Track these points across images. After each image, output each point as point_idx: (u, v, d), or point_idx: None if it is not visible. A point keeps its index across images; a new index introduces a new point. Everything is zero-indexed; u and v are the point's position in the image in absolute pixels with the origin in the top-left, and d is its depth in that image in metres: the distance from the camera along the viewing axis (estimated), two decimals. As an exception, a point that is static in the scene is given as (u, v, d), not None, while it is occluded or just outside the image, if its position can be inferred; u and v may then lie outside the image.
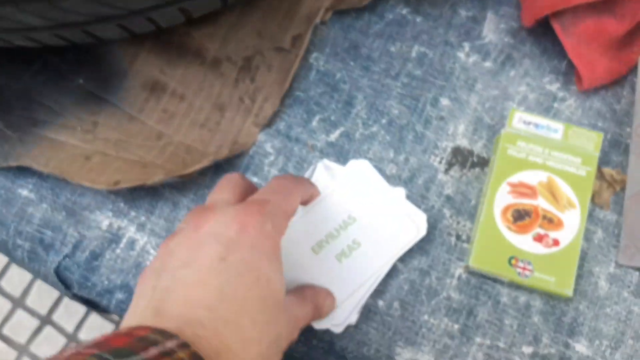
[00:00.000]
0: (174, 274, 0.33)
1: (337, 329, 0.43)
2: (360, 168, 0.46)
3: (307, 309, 0.39)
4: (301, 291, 0.41)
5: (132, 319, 0.32)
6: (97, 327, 1.25)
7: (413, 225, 0.44)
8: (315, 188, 0.43)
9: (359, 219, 0.44)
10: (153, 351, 0.26)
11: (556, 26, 0.47)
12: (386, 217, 0.44)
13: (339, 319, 0.43)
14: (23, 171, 0.48)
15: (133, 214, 0.48)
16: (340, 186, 0.45)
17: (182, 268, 0.33)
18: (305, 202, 0.43)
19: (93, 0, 0.38)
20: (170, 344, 0.27)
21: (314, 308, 0.40)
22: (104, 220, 0.48)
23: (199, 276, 0.32)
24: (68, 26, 0.41)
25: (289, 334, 0.36)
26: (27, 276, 1.27)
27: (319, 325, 0.43)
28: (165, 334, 0.28)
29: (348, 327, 0.45)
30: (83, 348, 0.26)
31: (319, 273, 0.44)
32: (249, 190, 0.40)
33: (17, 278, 1.26)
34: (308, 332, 0.45)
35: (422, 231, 0.44)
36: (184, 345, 0.28)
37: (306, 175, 0.47)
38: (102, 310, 0.48)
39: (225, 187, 0.39)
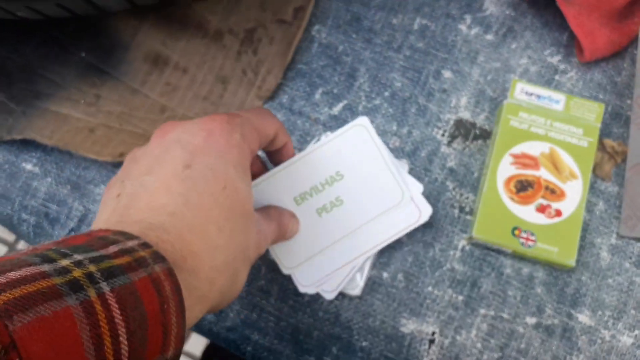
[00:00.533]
0: (137, 180, 0.31)
1: (329, 296, 0.43)
2: (365, 124, 0.45)
3: (273, 226, 0.38)
4: (266, 210, 0.40)
5: (95, 226, 0.30)
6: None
7: (411, 206, 0.43)
8: (290, 139, 0.41)
9: (347, 177, 0.43)
10: (113, 249, 0.25)
11: None
12: (375, 180, 0.43)
13: (317, 281, 0.43)
14: (27, 145, 0.48)
15: None
16: (333, 140, 0.43)
17: (146, 175, 0.31)
18: (278, 156, 0.42)
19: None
20: (131, 243, 0.26)
21: (278, 226, 0.39)
22: None
23: (162, 182, 0.31)
24: None
25: (256, 247, 0.35)
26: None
27: (307, 290, 0.42)
28: (127, 235, 0.27)
29: (352, 299, 0.45)
30: (40, 246, 0.24)
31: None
32: None
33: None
34: (314, 304, 0.45)
35: (425, 217, 0.43)
36: (145, 245, 0.26)
37: (309, 148, 0.47)
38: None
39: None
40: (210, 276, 0.30)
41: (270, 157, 0.42)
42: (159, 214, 0.30)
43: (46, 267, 0.21)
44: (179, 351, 0.27)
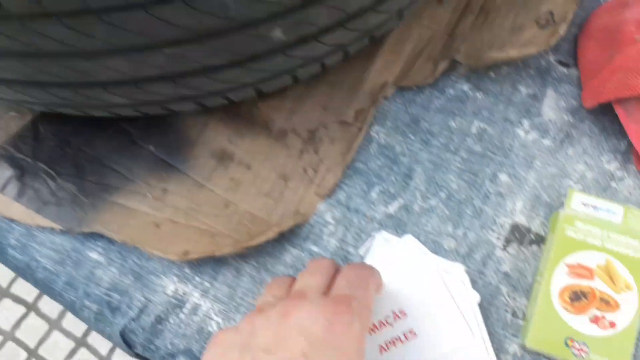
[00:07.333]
0: (257, 356, 0.32)
1: None
2: (414, 246, 0.45)
3: None
4: None
5: None
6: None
7: (482, 349, 0.42)
8: (381, 279, 0.40)
9: (416, 313, 0.42)
10: None
11: (620, 111, 0.46)
12: (444, 317, 0.42)
13: None
14: (93, 233, 0.47)
15: (197, 279, 0.47)
16: (393, 277, 0.43)
17: (265, 353, 0.32)
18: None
19: (178, 84, 0.39)
20: None
21: None
22: (170, 285, 0.46)
23: None
24: (149, 104, 0.42)
25: None
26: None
27: None
28: None
29: None
30: None
31: None
32: (337, 273, 0.38)
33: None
34: None
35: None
36: None
37: (364, 246, 0.47)
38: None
39: (317, 272, 0.37)
40: None
41: None
42: None
43: None
44: None
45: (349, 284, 0.36)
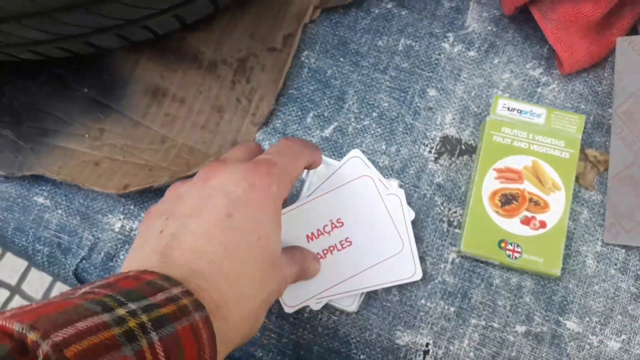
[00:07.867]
0: (181, 221, 0.32)
1: (289, 310, 0.44)
2: (356, 160, 0.45)
3: (295, 269, 0.39)
4: (291, 252, 0.40)
5: (137, 260, 0.32)
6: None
7: (410, 261, 0.44)
8: (319, 154, 0.41)
9: (353, 221, 0.43)
10: (160, 297, 0.26)
11: (535, 12, 0.46)
12: (380, 228, 0.44)
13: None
14: (37, 179, 0.48)
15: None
16: (345, 185, 0.44)
17: (190, 217, 0.33)
18: (308, 167, 0.42)
19: (91, 12, 0.39)
20: (175, 291, 0.27)
21: (300, 269, 0.40)
22: (116, 222, 0.48)
23: (205, 228, 0.32)
24: (69, 38, 0.41)
25: (277, 291, 0.36)
26: (47, 279, 1.30)
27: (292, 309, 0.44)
28: (171, 281, 0.28)
29: (350, 314, 0.45)
30: (96, 287, 0.26)
31: None
32: (260, 153, 0.39)
33: (37, 282, 1.30)
34: (313, 320, 0.45)
35: (418, 276, 0.44)
36: (188, 292, 0.28)
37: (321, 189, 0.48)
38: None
39: (239, 149, 0.39)
40: (237, 323, 0.31)
41: None
42: (199, 259, 0.31)
43: (106, 317, 0.23)
44: None
45: (277, 152, 0.38)
